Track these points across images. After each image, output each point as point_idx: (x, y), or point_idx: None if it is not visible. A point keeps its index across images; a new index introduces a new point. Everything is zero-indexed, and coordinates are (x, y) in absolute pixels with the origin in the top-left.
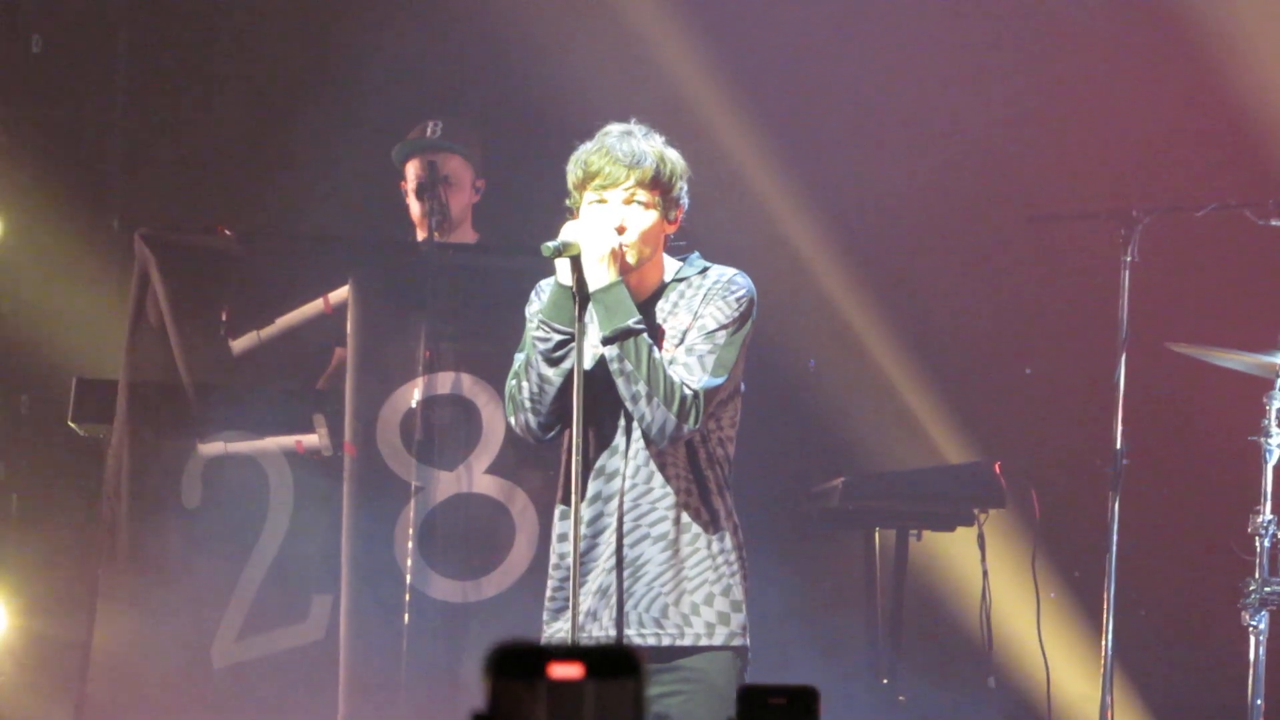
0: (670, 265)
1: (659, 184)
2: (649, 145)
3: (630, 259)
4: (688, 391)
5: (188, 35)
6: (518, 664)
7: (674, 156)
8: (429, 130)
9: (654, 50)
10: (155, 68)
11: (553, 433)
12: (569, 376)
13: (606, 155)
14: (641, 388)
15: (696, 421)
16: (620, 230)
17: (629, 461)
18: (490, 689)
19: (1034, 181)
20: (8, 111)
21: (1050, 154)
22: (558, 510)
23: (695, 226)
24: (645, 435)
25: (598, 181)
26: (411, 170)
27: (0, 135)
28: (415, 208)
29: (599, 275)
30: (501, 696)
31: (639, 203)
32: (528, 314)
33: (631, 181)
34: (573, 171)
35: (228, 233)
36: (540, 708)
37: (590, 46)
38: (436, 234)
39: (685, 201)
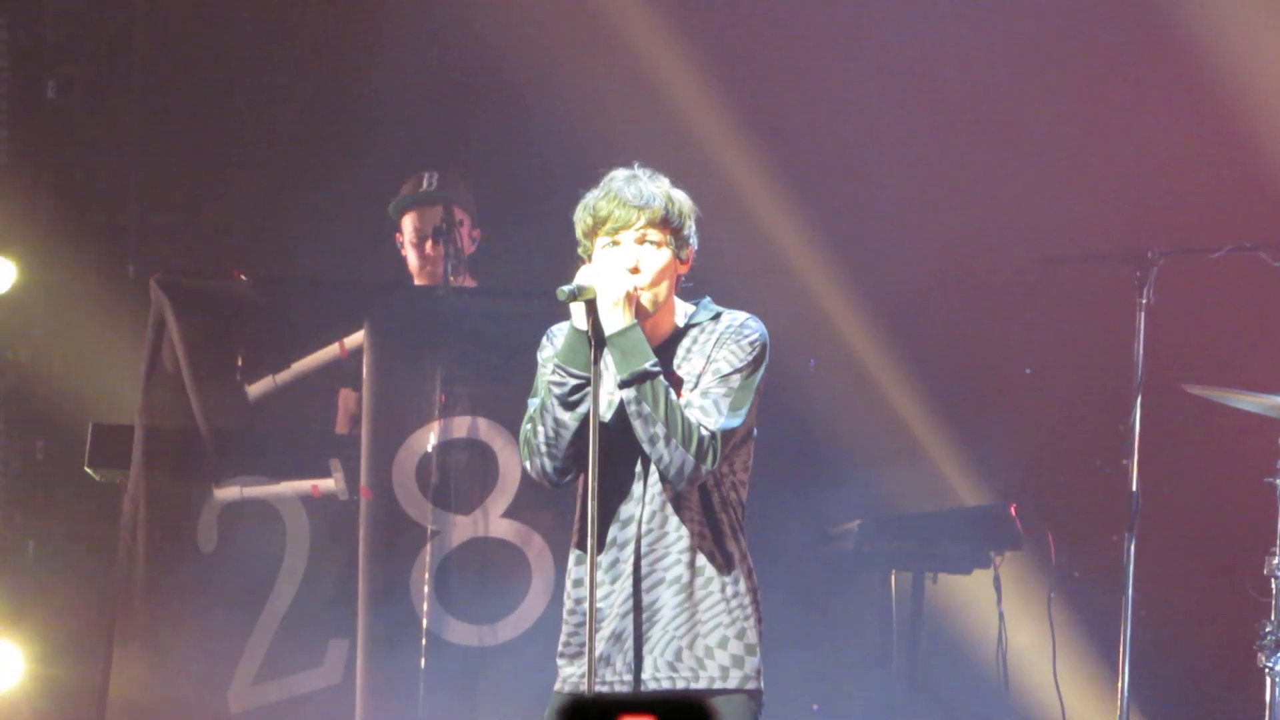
0: (682, 310)
1: (669, 223)
2: (656, 187)
3: (646, 302)
4: (705, 433)
5: (202, 81)
6: (589, 716)
7: (681, 196)
8: (425, 182)
9: (656, 83)
10: (170, 113)
11: (568, 477)
12: (584, 421)
13: (615, 199)
14: (660, 429)
15: (714, 462)
16: (635, 271)
17: (644, 506)
18: None
19: (1050, 223)
20: (24, 157)
21: (1066, 195)
22: (573, 555)
23: (707, 263)
24: (663, 477)
25: (609, 226)
26: (410, 223)
27: (16, 181)
28: (414, 260)
29: (615, 319)
30: None
31: (651, 243)
32: (540, 359)
33: (642, 222)
34: (582, 220)
35: (243, 278)
36: None
37: (596, 88)
38: (452, 278)
39: (695, 241)
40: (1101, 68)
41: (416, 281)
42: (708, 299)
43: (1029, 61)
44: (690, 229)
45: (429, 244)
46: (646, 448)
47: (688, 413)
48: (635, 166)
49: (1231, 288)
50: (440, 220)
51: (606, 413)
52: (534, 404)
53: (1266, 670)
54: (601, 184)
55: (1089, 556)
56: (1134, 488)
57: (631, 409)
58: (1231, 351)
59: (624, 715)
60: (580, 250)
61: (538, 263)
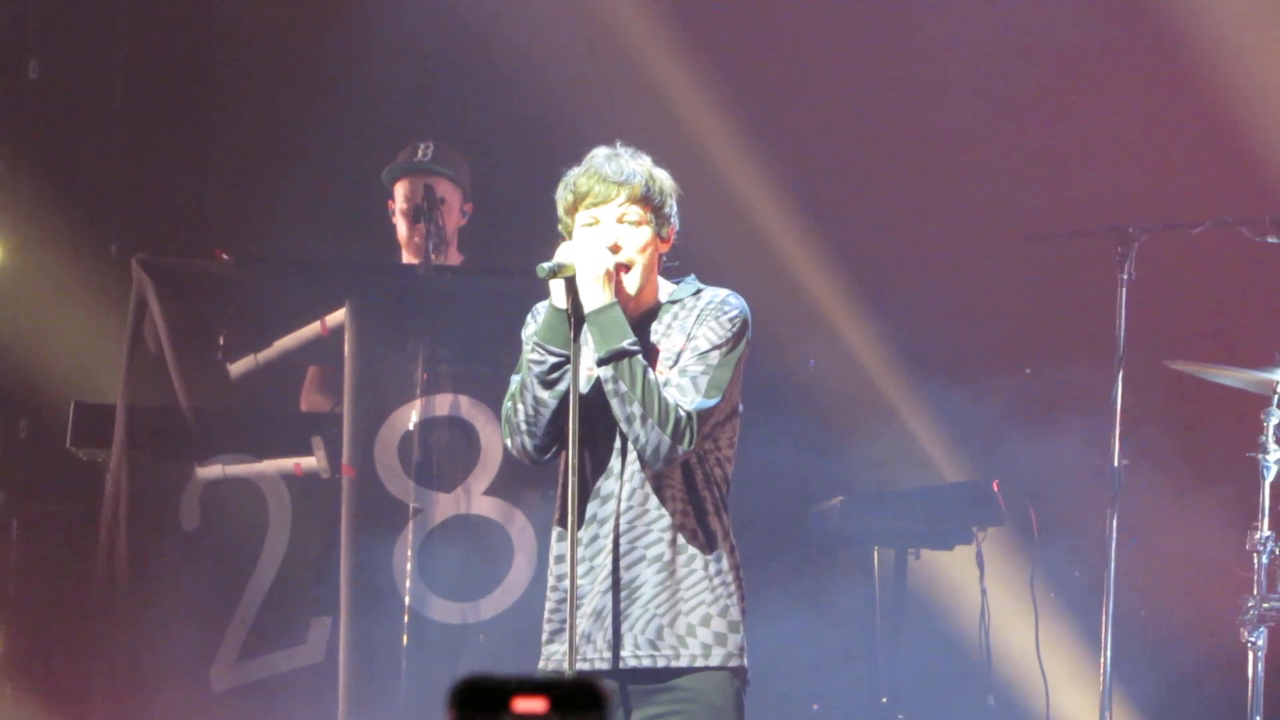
0: (665, 287)
1: (649, 200)
2: (637, 164)
3: (625, 279)
4: (682, 413)
5: (185, 61)
6: (482, 697)
7: (662, 175)
8: (420, 152)
9: (645, 67)
10: (152, 93)
11: (549, 455)
12: (564, 399)
13: (595, 175)
14: (636, 409)
15: (691, 443)
16: (615, 249)
17: (624, 484)
18: None
19: (1031, 200)
20: (5, 137)
21: (1047, 172)
22: (554, 532)
23: (691, 245)
24: (640, 457)
25: (588, 201)
26: (401, 191)
27: None
28: (403, 228)
29: (594, 296)
30: None
31: (630, 221)
32: (524, 336)
33: (622, 198)
34: (563, 196)
35: (225, 257)
36: None
37: (582, 68)
38: (435, 256)
39: (676, 220)
40: (1082, 45)
41: (405, 250)
42: (691, 276)
43: (1010, 40)
44: (671, 207)
45: (419, 224)
46: (624, 427)
47: (665, 392)
48: (617, 144)
49: (1213, 263)
50: (422, 199)
51: (586, 389)
52: (515, 381)
53: (1249, 645)
54: (583, 161)
55: (1070, 532)
56: (1116, 463)
57: (609, 387)
58: (1213, 327)
59: (517, 696)
60: (560, 227)
61: (521, 241)
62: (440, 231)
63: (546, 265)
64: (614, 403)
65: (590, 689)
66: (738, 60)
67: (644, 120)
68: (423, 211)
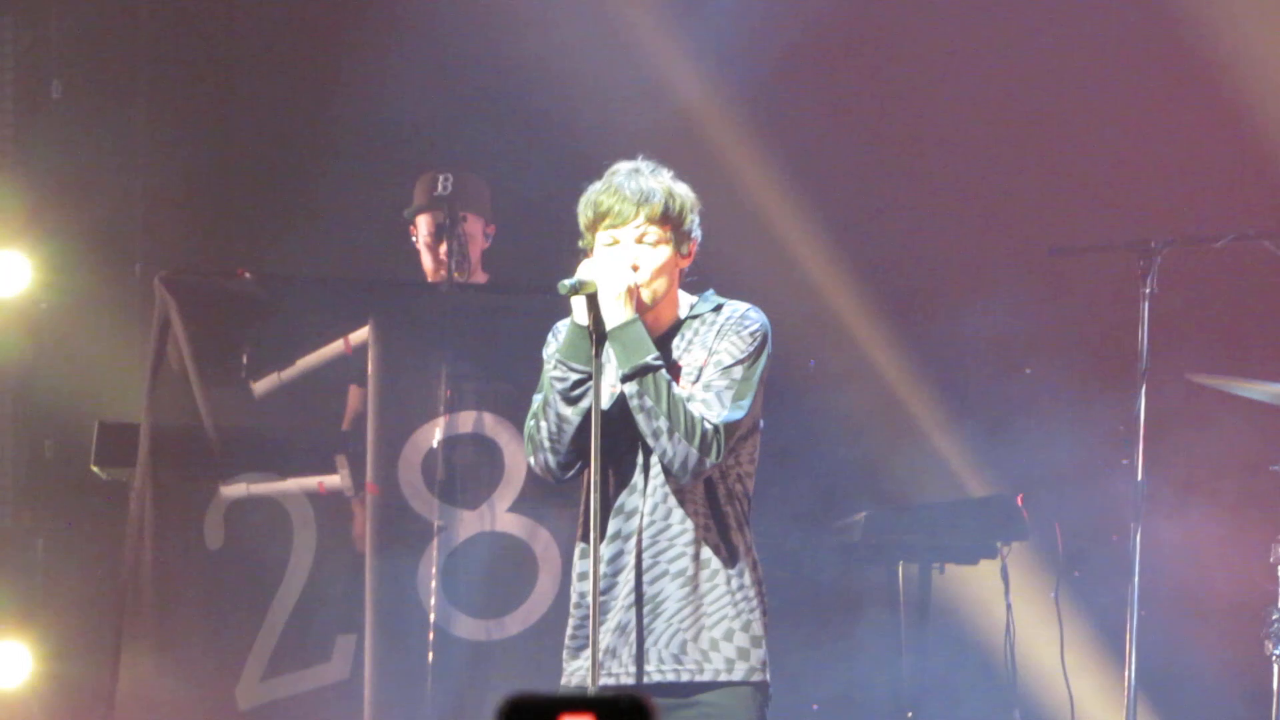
0: (685, 301)
1: (669, 219)
2: (657, 182)
3: (645, 297)
4: (708, 426)
5: (207, 80)
6: (528, 714)
7: (683, 190)
8: (439, 185)
9: (665, 78)
10: (175, 112)
11: (572, 472)
12: (587, 415)
13: (615, 194)
14: (663, 423)
15: (718, 455)
16: (635, 269)
17: (647, 499)
18: None
19: (1054, 214)
20: (29, 157)
21: (1069, 186)
22: (578, 549)
23: (712, 258)
24: (667, 471)
25: (608, 221)
26: (424, 224)
27: (22, 180)
28: (428, 260)
29: (616, 313)
30: None
31: (650, 241)
32: (545, 355)
33: (641, 219)
34: (583, 213)
35: (248, 275)
36: None
37: (603, 80)
38: (456, 274)
39: (698, 234)
40: (1105, 59)
41: (431, 279)
42: (710, 291)
43: (1033, 54)
44: (692, 223)
45: (443, 248)
46: (650, 442)
47: (690, 406)
48: (639, 159)
49: (1235, 277)
50: (444, 217)
51: (609, 405)
52: (538, 400)
53: (1274, 658)
54: (604, 177)
55: (1095, 547)
56: (1139, 477)
57: (634, 403)
58: (1236, 340)
59: (564, 714)
60: (581, 243)
61: (544, 258)
62: (463, 249)
63: (568, 282)
64: (639, 418)
65: (638, 704)
66: (758, 73)
67: (664, 131)
68: (445, 229)
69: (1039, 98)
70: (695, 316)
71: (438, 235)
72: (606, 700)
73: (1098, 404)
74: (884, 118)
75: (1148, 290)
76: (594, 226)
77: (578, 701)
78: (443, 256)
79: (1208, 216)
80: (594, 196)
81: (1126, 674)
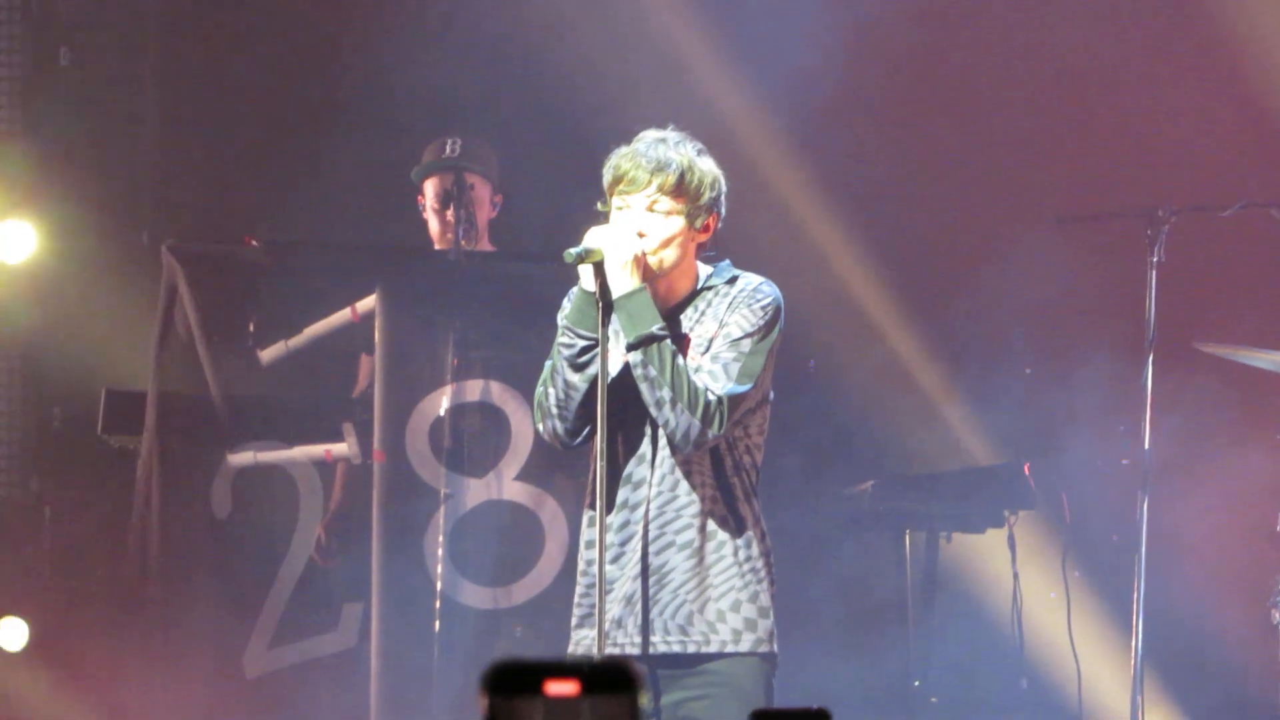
0: (702, 272)
1: (684, 191)
2: (678, 153)
3: (653, 265)
4: (711, 397)
5: (215, 48)
6: (515, 681)
7: (706, 166)
8: (448, 148)
9: (676, 52)
10: (183, 80)
11: (580, 439)
12: (594, 382)
13: (633, 160)
14: (665, 393)
15: (721, 427)
16: (641, 236)
17: (655, 469)
18: (487, 706)
19: (1061, 182)
20: (37, 125)
21: (1077, 154)
22: (585, 517)
23: (723, 229)
24: (670, 441)
25: (623, 186)
26: (431, 188)
27: (29, 149)
28: (434, 225)
29: (622, 282)
30: (499, 713)
31: (661, 211)
32: (559, 320)
33: (653, 188)
34: (606, 174)
35: (255, 244)
36: None
37: (612, 51)
38: (463, 241)
39: (721, 210)
40: (1113, 26)
41: (436, 247)
42: (726, 262)
43: (1040, 22)
44: (710, 198)
45: (449, 213)
46: (653, 411)
47: (696, 377)
48: (670, 128)
49: (1243, 245)
50: (452, 184)
51: (617, 373)
52: (549, 366)
53: (1279, 626)
54: (631, 141)
55: (1102, 516)
56: (1146, 445)
57: (638, 372)
58: (1244, 308)
59: (550, 680)
60: (600, 205)
61: (552, 225)
62: (471, 216)
63: (574, 250)
64: (643, 387)
65: (621, 670)
66: (768, 46)
67: (673, 104)
68: (453, 196)
69: (1046, 65)
70: (709, 288)
71: (444, 200)
72: (592, 667)
73: (1105, 372)
74: (890, 86)
75: (1155, 259)
76: (611, 189)
77: (563, 668)
78: (449, 220)
79: (1216, 185)
80: (615, 159)
81: (1134, 642)
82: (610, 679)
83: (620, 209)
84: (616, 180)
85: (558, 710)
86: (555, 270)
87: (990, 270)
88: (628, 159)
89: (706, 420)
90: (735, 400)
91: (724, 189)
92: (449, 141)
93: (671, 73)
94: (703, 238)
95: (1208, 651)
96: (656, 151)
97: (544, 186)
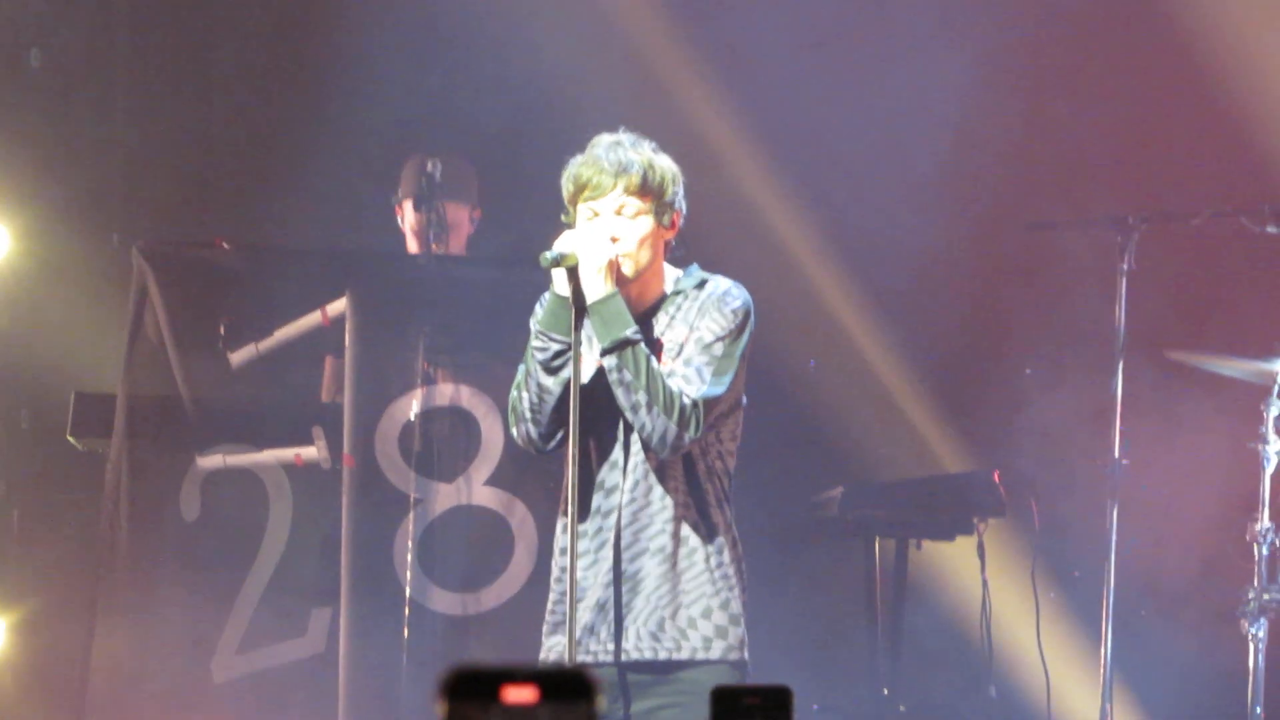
0: (671, 276)
1: (649, 190)
2: (636, 153)
3: (627, 270)
4: (687, 400)
5: (186, 49)
6: (472, 687)
7: (664, 163)
8: (428, 166)
9: (646, 53)
10: (154, 81)
11: (553, 443)
12: (568, 386)
13: (594, 166)
14: (641, 397)
15: (697, 431)
16: (614, 241)
17: (628, 475)
18: (444, 712)
19: (1031, 189)
20: (6, 125)
21: (1047, 161)
22: (559, 523)
23: (693, 234)
24: (646, 445)
25: (587, 193)
26: (409, 209)
27: None
28: (414, 244)
29: (596, 286)
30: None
31: (629, 213)
32: (532, 325)
33: (620, 190)
34: (565, 186)
35: (225, 246)
36: None
37: (584, 54)
38: (435, 246)
39: (682, 206)
40: (1082, 36)
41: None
42: (694, 265)
43: (1010, 31)
44: (673, 194)
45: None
46: (629, 416)
47: (670, 381)
48: (620, 131)
49: (1212, 253)
50: (431, 213)
51: (589, 379)
52: (522, 370)
53: (1249, 636)
54: (586, 149)
55: (1072, 522)
56: (1116, 454)
57: (613, 377)
58: (1214, 316)
59: (507, 686)
60: (564, 217)
61: (523, 230)
62: (441, 220)
63: (549, 255)
64: (618, 392)
65: (580, 678)
66: (738, 49)
67: (644, 107)
68: (423, 200)
69: (1016, 74)
70: (679, 292)
71: (415, 204)
72: (550, 674)
73: (1075, 380)
74: (862, 94)
75: (1125, 266)
76: (575, 199)
77: (521, 674)
78: (431, 246)
79: (1186, 192)
80: (574, 169)
81: (1103, 651)
82: (568, 685)
83: (589, 218)
84: (580, 188)
85: (515, 717)
86: (525, 274)
87: (961, 276)
88: (588, 166)
89: (683, 424)
90: (710, 403)
91: (683, 183)
92: (428, 162)
93: (646, 74)
94: (669, 235)
95: (1178, 660)
96: (616, 154)
97: (515, 188)
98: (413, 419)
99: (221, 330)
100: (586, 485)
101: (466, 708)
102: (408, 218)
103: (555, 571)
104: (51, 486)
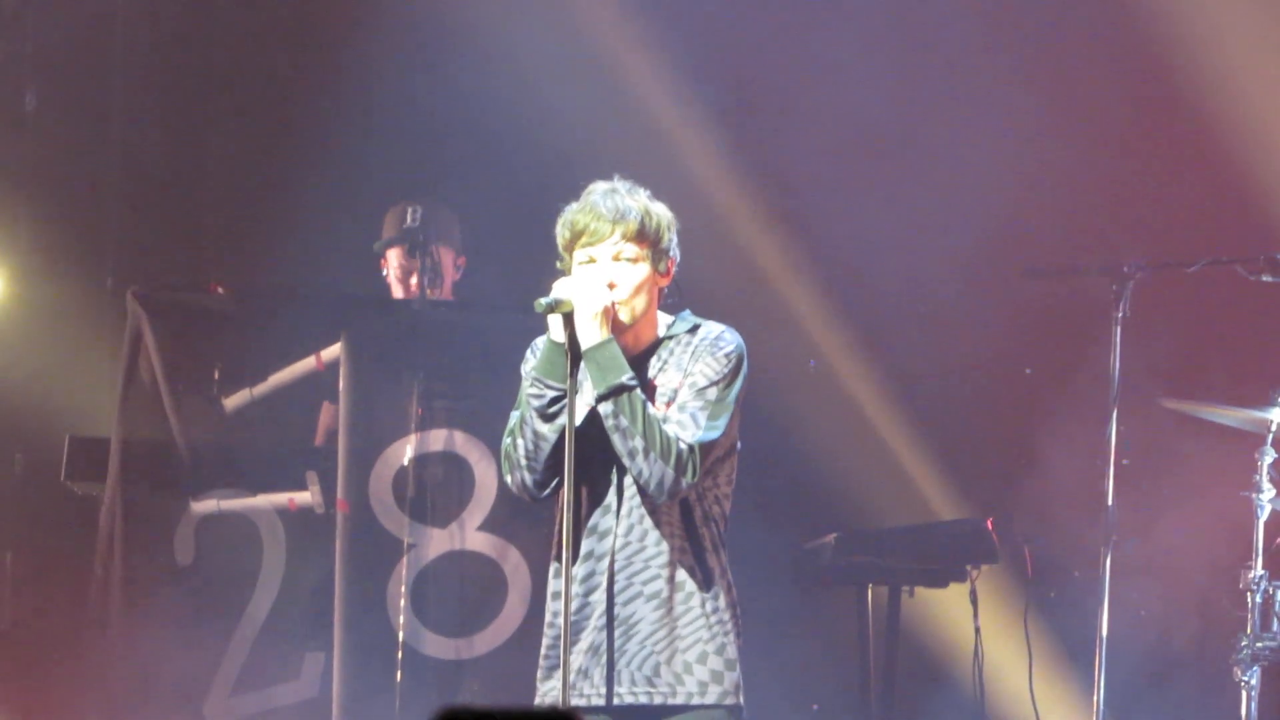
0: (664, 322)
1: (645, 237)
2: (633, 200)
3: (623, 316)
4: (683, 446)
5: (181, 95)
6: None
7: (659, 209)
8: (409, 217)
9: (637, 97)
10: (148, 126)
11: (548, 490)
12: (563, 433)
13: (591, 212)
14: (638, 443)
15: (694, 475)
16: (611, 287)
17: (621, 520)
18: None
19: (1027, 237)
20: (2, 169)
21: (1043, 209)
22: (552, 568)
23: (686, 279)
24: (643, 491)
25: (585, 239)
26: (394, 258)
27: None
28: (399, 291)
29: (591, 333)
30: None
31: (627, 259)
32: (523, 371)
33: (617, 236)
34: (560, 233)
35: (220, 290)
36: None
37: (575, 99)
38: (430, 292)
39: (676, 253)
40: (1079, 83)
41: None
42: (686, 311)
43: (1008, 77)
44: (669, 241)
45: (413, 279)
46: (626, 462)
47: (665, 427)
48: (615, 179)
49: (1208, 302)
50: (414, 257)
51: (581, 424)
52: (515, 417)
53: (1242, 684)
54: (581, 197)
55: (1065, 572)
56: (1110, 502)
57: (609, 423)
58: (1208, 365)
59: None
60: (559, 264)
61: (516, 276)
62: (436, 265)
63: (544, 300)
64: (615, 438)
65: None
66: (731, 91)
67: (636, 151)
68: (417, 245)
69: (1013, 120)
70: (671, 337)
71: (406, 272)
72: (539, 716)
73: (1070, 428)
74: (860, 138)
75: (1120, 314)
76: (571, 246)
77: (507, 716)
78: (414, 289)
79: (1181, 241)
80: (570, 216)
81: (1095, 699)
82: None
83: (586, 263)
84: (577, 235)
85: None
86: (519, 321)
87: (957, 324)
88: (584, 213)
89: (680, 469)
90: (706, 447)
91: (678, 229)
92: (409, 210)
93: (636, 119)
94: (664, 281)
95: (1170, 708)
96: (612, 201)
97: (506, 235)
98: (406, 464)
99: (216, 375)
100: (580, 530)
101: None
102: (392, 264)
103: (549, 617)
104: (46, 530)
